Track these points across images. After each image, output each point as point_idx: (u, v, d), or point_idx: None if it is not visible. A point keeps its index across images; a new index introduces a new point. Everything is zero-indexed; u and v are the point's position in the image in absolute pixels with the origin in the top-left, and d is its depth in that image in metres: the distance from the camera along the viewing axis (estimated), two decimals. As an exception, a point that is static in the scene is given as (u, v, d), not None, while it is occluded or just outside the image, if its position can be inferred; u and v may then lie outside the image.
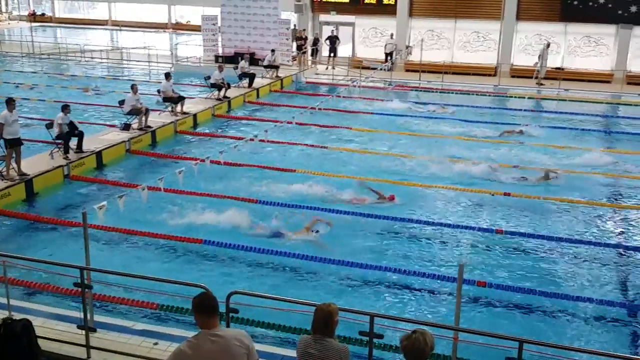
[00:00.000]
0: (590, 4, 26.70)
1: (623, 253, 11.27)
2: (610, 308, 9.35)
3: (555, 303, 9.44)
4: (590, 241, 11.62)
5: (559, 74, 26.65)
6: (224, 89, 21.92)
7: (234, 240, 10.99)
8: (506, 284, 9.84)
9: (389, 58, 28.79)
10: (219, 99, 21.76)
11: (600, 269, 10.65)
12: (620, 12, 26.46)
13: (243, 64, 24.56)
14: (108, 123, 18.78)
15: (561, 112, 22.11)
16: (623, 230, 12.39)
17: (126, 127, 17.40)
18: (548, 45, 26.82)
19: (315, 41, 30.41)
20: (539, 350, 7.00)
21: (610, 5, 26.50)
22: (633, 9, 26.29)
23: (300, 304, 6.96)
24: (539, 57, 26.47)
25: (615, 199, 14.11)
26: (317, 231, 11.42)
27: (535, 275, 10.29)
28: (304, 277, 10.14)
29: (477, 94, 24.78)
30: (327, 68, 29.72)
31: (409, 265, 10.38)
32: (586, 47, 27.72)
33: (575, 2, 26.92)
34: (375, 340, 6.90)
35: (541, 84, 26.26)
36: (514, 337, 6.57)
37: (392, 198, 13.27)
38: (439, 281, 9.91)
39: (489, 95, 25.02)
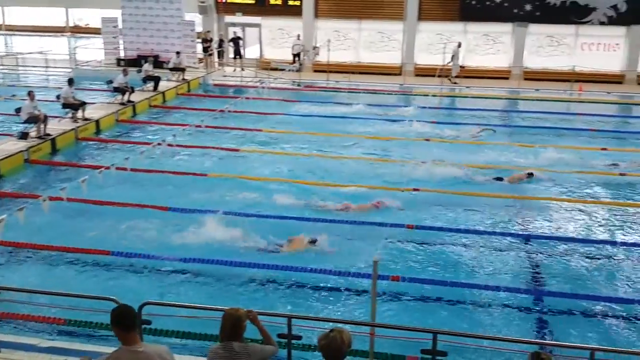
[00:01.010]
0: (488, 3, 27.79)
1: (528, 242, 11.71)
2: (517, 295, 9.72)
3: (467, 293, 9.72)
4: (498, 232, 12.02)
5: (461, 72, 27.58)
6: (127, 93, 21.26)
7: (146, 250, 10.63)
8: (419, 277, 10.04)
9: (296, 59, 28.87)
10: (122, 104, 21.07)
11: (507, 258, 11.04)
12: (515, 10, 27.69)
13: (147, 67, 23.91)
14: (4, 132, 17.78)
15: (476, 109, 22.83)
16: (529, 220, 12.85)
17: (24, 135, 16.54)
18: (459, 44, 27.71)
19: (221, 43, 30.06)
20: (453, 340, 7.18)
21: (506, 5, 27.68)
22: (528, 7, 27.59)
23: (215, 310, 6.81)
24: (452, 57, 27.31)
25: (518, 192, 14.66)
26: (315, 240, 11.02)
27: (447, 267, 10.55)
28: (219, 283, 9.95)
29: (384, 93, 25.25)
30: (234, 70, 29.44)
31: (324, 265, 10.38)
32: (485, 45, 28.83)
33: (474, 2, 27.93)
34: (293, 341, 6.87)
35: (455, 83, 27.13)
36: (428, 329, 6.71)
37: (378, 204, 13.08)
38: (354, 278, 9.98)
39: (396, 94, 25.55)
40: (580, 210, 13.31)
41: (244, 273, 10.08)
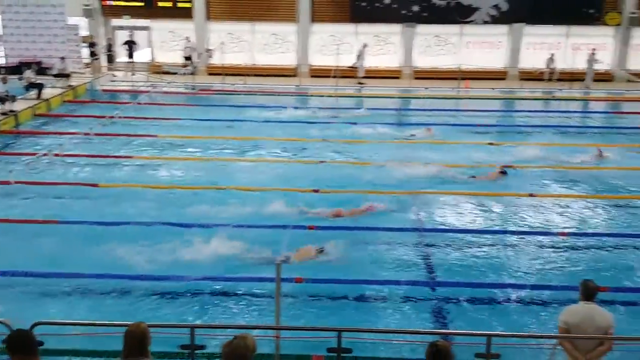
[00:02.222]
0: (377, 5, 28.46)
1: (423, 234, 12.01)
2: (415, 287, 9.95)
3: (369, 289, 9.84)
4: (395, 228, 12.26)
5: (353, 72, 28.07)
6: (8, 102, 20.02)
7: (37, 268, 10.00)
8: (322, 277, 10.04)
9: (189, 62, 28.35)
10: (4, 114, 19.82)
11: (405, 252, 11.27)
12: (404, 12, 28.53)
13: (28, 73, 22.64)
14: None
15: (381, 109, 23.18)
16: (425, 213, 13.19)
17: None
18: (365, 45, 28.13)
19: (110, 46, 29.00)
20: (357, 337, 7.23)
21: (394, 6, 28.45)
22: (415, 8, 28.48)
23: (114, 326, 6.50)
24: (357, 57, 27.69)
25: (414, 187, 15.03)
26: (322, 249, 10.74)
27: (352, 266, 10.61)
28: (113, 297, 9.51)
29: (280, 95, 25.25)
30: (124, 74, 28.48)
31: (225, 271, 10.17)
32: (376, 46, 29.48)
33: (364, 4, 28.52)
34: (197, 351, 6.68)
35: (362, 83, 27.52)
36: (332, 327, 6.72)
37: (370, 208, 12.87)
38: (258, 283, 9.84)
39: (292, 95, 25.63)
40: (473, 203, 13.76)
41: (140, 286, 9.69)
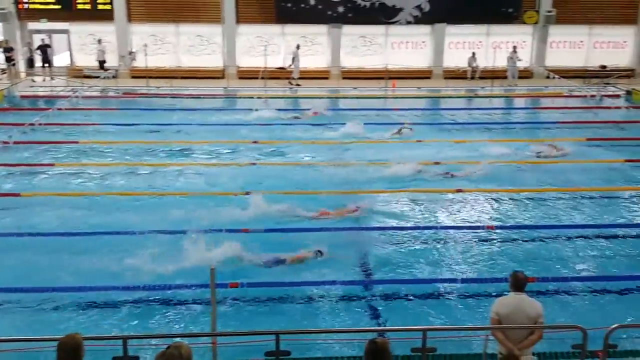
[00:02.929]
0: (302, 5, 28.49)
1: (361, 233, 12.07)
2: (351, 287, 9.99)
3: (306, 291, 9.81)
4: (331, 228, 12.26)
5: (283, 73, 28.02)
6: None
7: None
8: (258, 280, 9.94)
9: (104, 65, 27.59)
10: None
11: (342, 252, 11.28)
12: (329, 12, 28.68)
13: (-61, 80, 21.46)
14: None
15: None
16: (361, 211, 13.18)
17: None
18: (298, 46, 28.03)
19: (30, 51, 27.82)
20: (296, 338, 7.18)
21: (320, 7, 28.57)
22: (340, 9, 28.69)
23: (44, 341, 6.22)
24: (292, 59, 27.57)
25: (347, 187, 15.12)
26: (319, 252, 10.64)
27: (287, 268, 10.53)
28: (40, 309, 9.11)
29: (208, 97, 24.91)
30: (43, 79, 27.41)
31: (159, 280, 9.89)
32: (304, 46, 29.48)
33: (289, 5, 28.49)
34: (130, 363, 6.46)
35: (298, 85, 27.43)
36: (270, 330, 6.64)
37: (356, 209, 12.76)
38: (193, 289, 9.64)
39: (220, 98, 25.32)
40: (404, 201, 13.92)
41: (67, 298, 9.31)
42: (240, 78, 28.68)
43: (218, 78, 28.47)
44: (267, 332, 6.68)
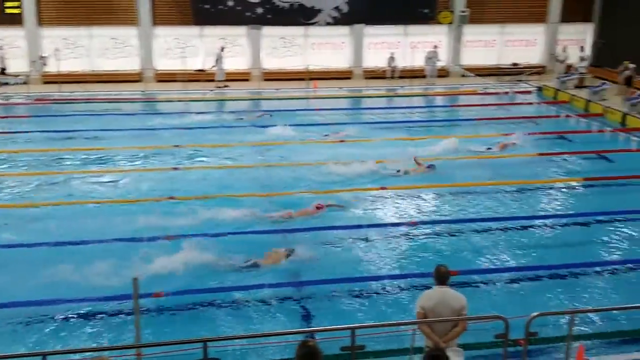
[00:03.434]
0: (220, 7, 28.12)
1: (288, 235, 12.00)
2: (280, 289, 9.94)
3: (236, 295, 9.68)
4: (259, 230, 12.16)
5: (202, 76, 27.61)
6: None
7: None
8: (183, 289, 9.72)
9: (4, 72, 26.38)
10: None
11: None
12: (248, 14, 28.42)
13: None
14: None
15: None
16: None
17: None
18: (222, 48, 27.59)
19: None
20: (225, 345, 7.07)
21: (238, 8, 28.27)
22: (259, 10, 28.51)
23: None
24: (216, 61, 27.12)
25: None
26: (292, 251, 10.64)
27: (214, 273, 10.36)
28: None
29: (125, 101, 24.23)
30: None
31: (78, 293, 9.51)
32: (225, 48, 29.06)
33: (207, 6, 28.06)
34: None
35: (226, 86, 26.99)
36: (196, 339, 6.50)
37: (320, 207, 12.79)
38: (114, 302, 9.32)
39: (138, 102, 24.68)
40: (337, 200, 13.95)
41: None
42: (159, 81, 28.03)
43: (135, 82, 27.74)
44: (194, 340, 6.53)
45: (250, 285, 9.90)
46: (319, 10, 28.81)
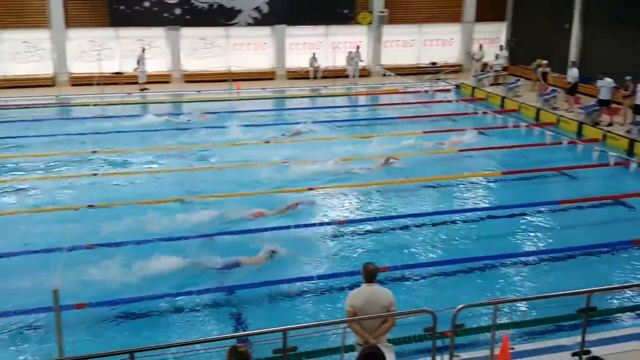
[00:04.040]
0: (137, 8, 27.40)
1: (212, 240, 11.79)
2: (209, 295, 9.77)
3: (162, 304, 9.44)
4: (180, 236, 11.90)
5: (118, 78, 26.88)
6: None
7: None
8: (108, 299, 9.39)
9: None
10: None
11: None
12: (166, 15, 27.84)
13: None
14: None
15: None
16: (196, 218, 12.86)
17: None
18: (144, 49, 26.81)
19: None
20: (152, 354, 6.87)
21: (155, 9, 27.64)
22: (177, 11, 27.98)
23: None
24: (137, 63, 26.32)
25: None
26: (274, 252, 10.59)
27: (137, 282, 10.06)
28: None
29: (38, 107, 23.22)
30: None
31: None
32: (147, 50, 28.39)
33: (122, 7, 27.30)
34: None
35: (146, 89, 26.30)
36: (122, 350, 6.28)
37: (295, 205, 13.02)
38: (31, 315, 8.90)
39: (52, 107, 23.74)
40: (253, 203, 13.84)
41: None
42: (74, 85, 27.03)
43: (48, 86, 26.65)
44: (118, 352, 6.30)
45: (180, 292, 9.69)
46: (239, 11, 28.59)
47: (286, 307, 9.58)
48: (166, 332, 8.78)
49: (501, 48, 28.70)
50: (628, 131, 18.89)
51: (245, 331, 8.72)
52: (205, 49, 29.39)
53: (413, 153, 17.36)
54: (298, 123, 20.51)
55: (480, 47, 29.77)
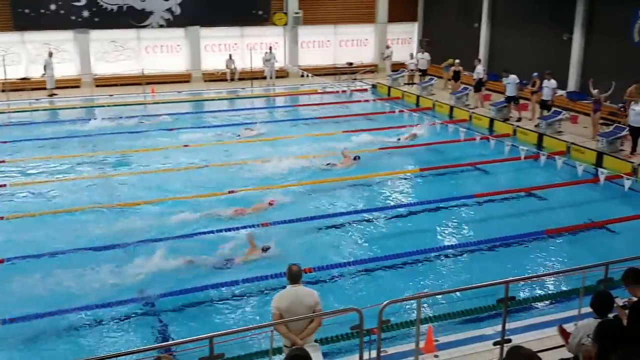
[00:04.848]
0: (42, 11, 26.26)
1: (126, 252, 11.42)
2: (130, 306, 9.46)
3: (79, 317, 9.05)
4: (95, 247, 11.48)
5: (25, 84, 25.68)
6: None
7: None
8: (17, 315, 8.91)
9: None
10: None
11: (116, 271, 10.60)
12: (73, 17, 26.83)
13: None
14: None
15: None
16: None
17: None
18: (51, 54, 25.60)
19: None
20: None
21: (62, 12, 26.58)
22: (85, 14, 27.00)
23: None
24: (44, 68, 25.15)
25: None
26: (268, 248, 10.94)
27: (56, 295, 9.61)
28: None
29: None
30: None
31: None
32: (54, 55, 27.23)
33: (27, 11, 26.11)
34: None
35: (54, 94, 25.22)
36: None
37: (271, 203, 13.29)
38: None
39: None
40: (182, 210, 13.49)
41: None
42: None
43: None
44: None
45: (100, 305, 9.31)
46: (150, 12, 27.93)
47: (211, 313, 9.38)
48: (84, 347, 8.40)
49: (423, 51, 28.69)
50: (536, 125, 19.73)
51: (169, 341, 8.47)
52: (117, 52, 28.52)
53: (329, 153, 17.46)
54: (224, 126, 20.44)
55: (388, 46, 30.30)
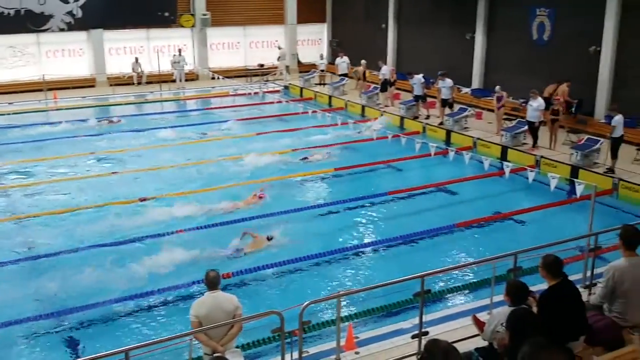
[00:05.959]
0: None
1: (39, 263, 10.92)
2: (45, 321, 9.00)
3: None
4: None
5: None
6: None
7: None
8: None
9: None
10: None
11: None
12: None
13: None
14: None
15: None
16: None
17: None
18: None
19: None
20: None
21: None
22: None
23: None
24: None
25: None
26: (272, 237, 11.40)
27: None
28: None
29: None
30: None
31: None
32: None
33: None
34: None
35: None
36: None
37: (262, 196, 13.66)
38: None
39: None
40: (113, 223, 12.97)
41: None
42: None
43: None
44: None
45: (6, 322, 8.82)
46: (50, 16, 26.75)
47: (127, 325, 9.07)
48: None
49: (342, 55, 28.57)
50: (441, 123, 20.35)
51: (82, 357, 8.11)
52: (15, 57, 27.14)
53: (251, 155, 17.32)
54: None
55: (279, 47, 30.36)
